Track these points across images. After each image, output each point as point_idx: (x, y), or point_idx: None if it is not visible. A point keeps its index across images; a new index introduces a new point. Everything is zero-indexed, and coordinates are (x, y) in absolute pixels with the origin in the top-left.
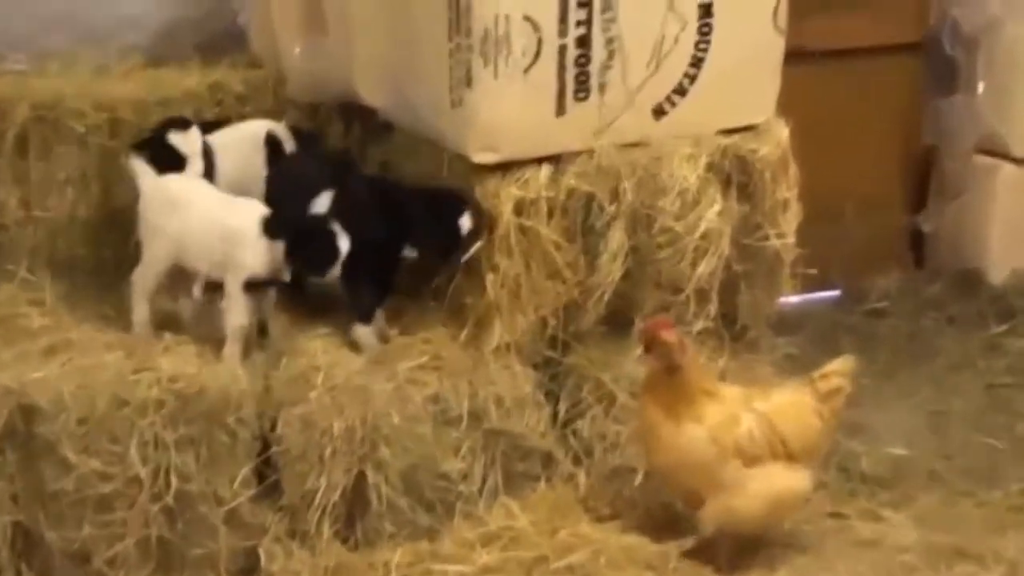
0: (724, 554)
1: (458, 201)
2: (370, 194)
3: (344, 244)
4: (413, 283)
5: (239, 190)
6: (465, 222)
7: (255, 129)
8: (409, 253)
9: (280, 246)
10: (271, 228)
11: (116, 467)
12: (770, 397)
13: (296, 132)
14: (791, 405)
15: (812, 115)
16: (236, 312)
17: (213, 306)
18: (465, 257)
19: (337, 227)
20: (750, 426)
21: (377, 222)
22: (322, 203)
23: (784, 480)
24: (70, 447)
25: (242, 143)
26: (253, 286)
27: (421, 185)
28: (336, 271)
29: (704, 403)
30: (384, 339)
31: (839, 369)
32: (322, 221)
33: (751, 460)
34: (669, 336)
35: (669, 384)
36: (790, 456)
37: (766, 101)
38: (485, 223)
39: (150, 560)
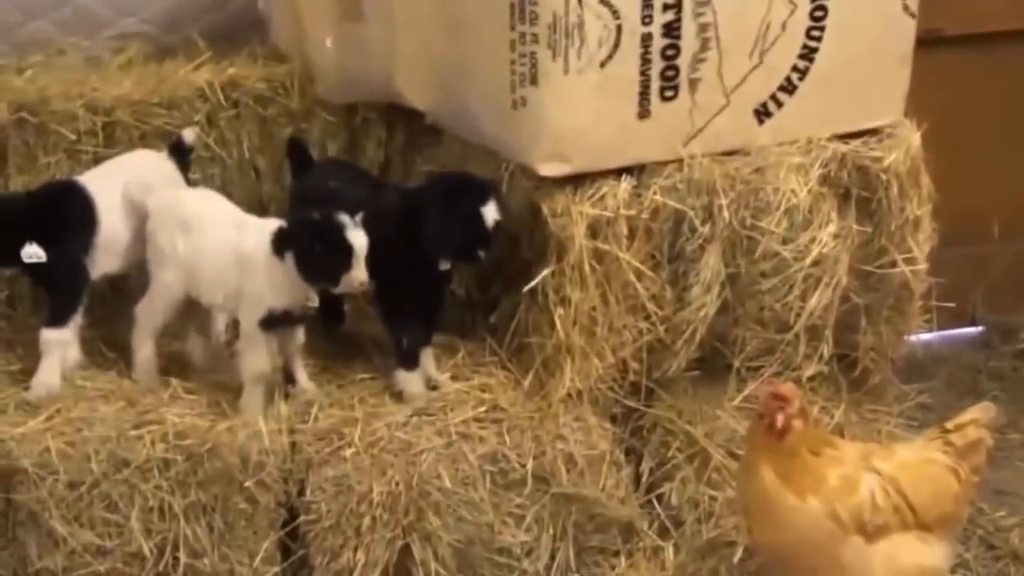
0: None
1: (481, 188)
2: (397, 204)
3: (359, 239)
4: (467, 319)
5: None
6: (490, 212)
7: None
8: (444, 265)
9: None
10: (277, 245)
11: (114, 540)
12: (894, 454)
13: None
14: (921, 463)
15: (950, 115)
16: (254, 355)
17: (229, 348)
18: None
19: (348, 220)
20: (871, 490)
21: (403, 232)
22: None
23: (916, 555)
24: (59, 517)
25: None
26: (273, 323)
27: (439, 174)
28: (356, 276)
29: (820, 468)
30: (432, 386)
31: (978, 418)
32: (327, 214)
33: (875, 533)
34: (789, 392)
35: (784, 447)
36: (922, 525)
37: (893, 99)
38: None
39: None
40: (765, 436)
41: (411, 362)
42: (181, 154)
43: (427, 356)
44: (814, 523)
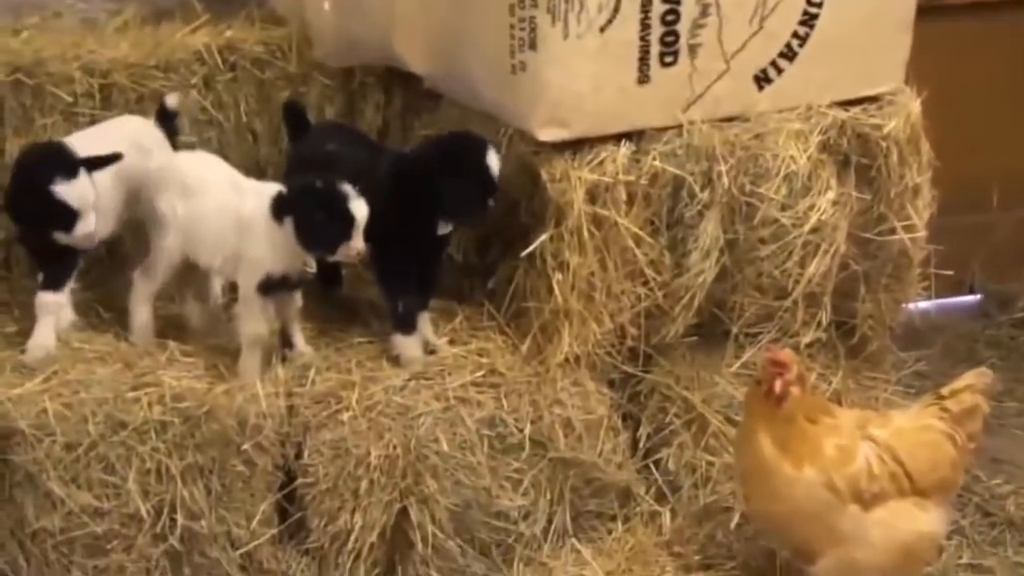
0: None
1: (477, 142)
2: (395, 168)
3: (360, 210)
4: (465, 283)
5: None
6: (493, 161)
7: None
8: (443, 229)
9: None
10: (277, 210)
11: (111, 502)
12: (890, 421)
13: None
14: (917, 430)
15: (950, 83)
16: (252, 318)
17: (227, 311)
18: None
19: (350, 190)
20: (868, 459)
21: (401, 197)
22: None
23: (913, 522)
24: (56, 478)
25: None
26: (271, 287)
27: (431, 137)
28: (354, 246)
29: (817, 436)
30: (430, 350)
31: (974, 384)
32: (330, 182)
33: (872, 500)
34: (788, 358)
35: (782, 414)
36: (918, 492)
37: (893, 66)
38: None
39: None
40: (763, 402)
41: (408, 326)
42: (167, 120)
43: (424, 320)
44: (811, 493)
